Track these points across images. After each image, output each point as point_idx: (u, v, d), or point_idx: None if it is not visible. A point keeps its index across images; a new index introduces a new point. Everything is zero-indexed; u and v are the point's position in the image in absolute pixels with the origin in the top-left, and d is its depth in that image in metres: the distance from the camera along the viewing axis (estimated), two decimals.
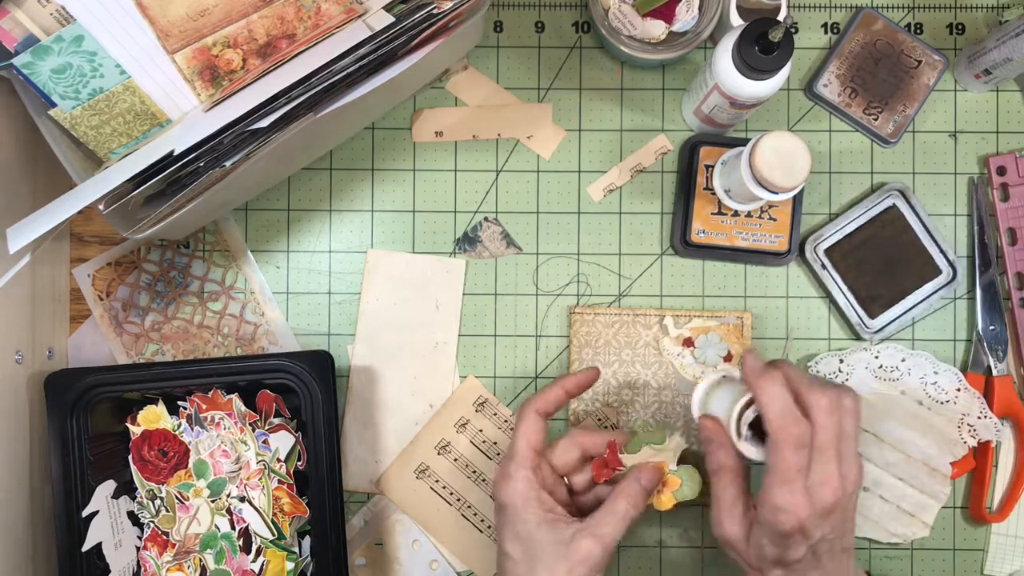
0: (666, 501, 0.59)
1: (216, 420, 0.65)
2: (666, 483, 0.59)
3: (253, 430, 0.65)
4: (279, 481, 0.65)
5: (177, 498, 0.65)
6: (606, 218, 0.70)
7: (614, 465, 0.58)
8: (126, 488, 0.66)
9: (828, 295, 0.69)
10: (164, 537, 0.65)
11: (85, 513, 0.63)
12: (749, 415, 0.55)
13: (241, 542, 0.65)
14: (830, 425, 0.51)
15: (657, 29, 0.65)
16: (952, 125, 0.70)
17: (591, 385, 0.61)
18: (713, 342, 0.67)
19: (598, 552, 0.54)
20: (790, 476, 0.51)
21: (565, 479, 0.60)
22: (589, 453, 0.60)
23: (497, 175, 0.70)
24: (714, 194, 0.67)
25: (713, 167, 0.67)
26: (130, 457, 0.66)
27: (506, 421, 0.69)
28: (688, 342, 0.68)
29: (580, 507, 0.60)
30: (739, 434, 0.55)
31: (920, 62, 0.69)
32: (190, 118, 0.60)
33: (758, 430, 0.55)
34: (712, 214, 0.68)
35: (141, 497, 0.66)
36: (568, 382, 0.60)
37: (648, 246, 0.70)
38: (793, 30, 0.70)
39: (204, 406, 0.65)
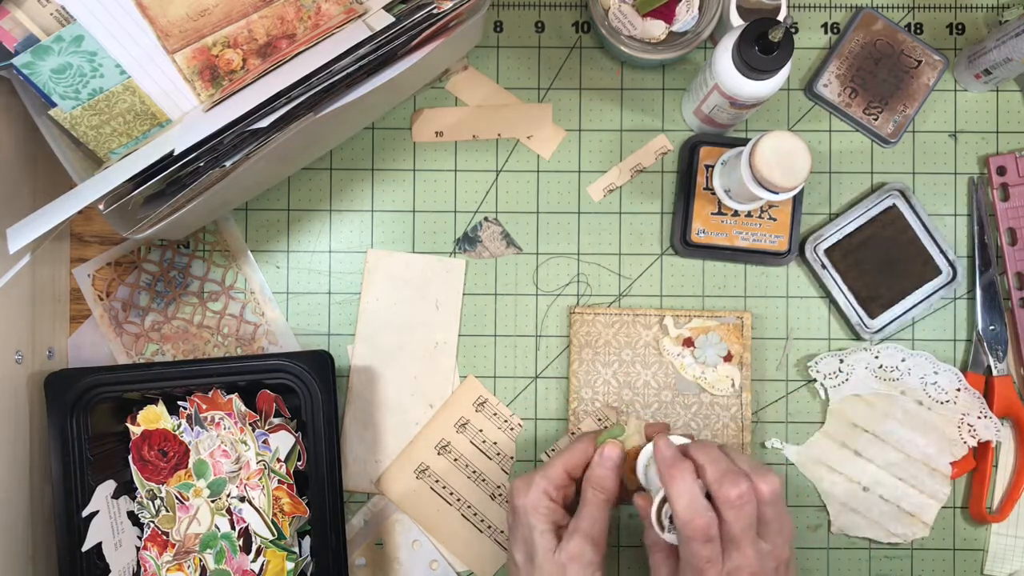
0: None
1: (216, 420, 0.65)
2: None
3: (253, 430, 0.65)
4: (279, 481, 0.65)
5: (177, 498, 0.65)
6: (606, 218, 0.70)
7: None
8: (126, 488, 0.66)
9: (828, 295, 0.69)
10: (164, 537, 0.65)
11: (85, 513, 0.63)
12: (668, 508, 0.54)
13: (241, 542, 0.65)
14: (741, 517, 0.52)
15: (657, 29, 0.65)
16: (952, 125, 0.70)
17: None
18: (713, 342, 0.67)
19: (586, 547, 0.55)
20: (701, 567, 0.52)
21: None
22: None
23: (497, 175, 0.70)
24: (714, 194, 0.67)
25: (713, 167, 0.67)
26: (130, 457, 0.66)
27: (506, 421, 0.69)
28: (688, 342, 0.68)
29: None
30: (662, 526, 0.55)
31: (920, 62, 0.69)
32: (190, 118, 0.60)
33: None
34: (712, 214, 0.68)
35: (141, 497, 0.66)
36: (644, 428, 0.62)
37: (648, 246, 0.70)
38: (793, 30, 0.70)
39: (204, 406, 0.65)
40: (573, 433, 0.68)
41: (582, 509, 0.57)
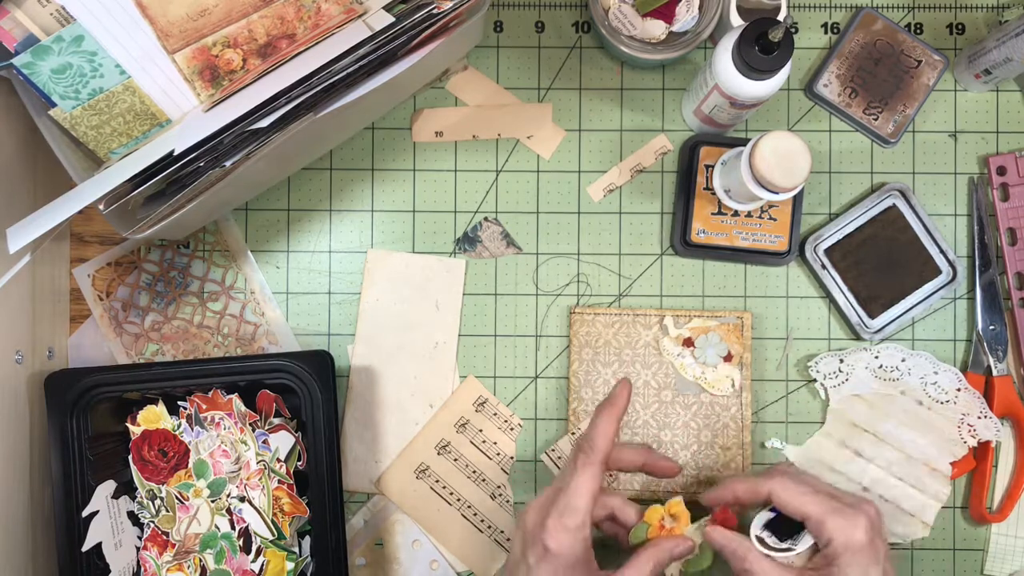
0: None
1: (216, 420, 0.65)
2: (676, 517, 0.60)
3: (253, 430, 0.65)
4: (279, 481, 0.65)
5: (177, 498, 0.65)
6: (606, 218, 0.70)
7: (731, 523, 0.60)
8: (126, 488, 0.66)
9: (828, 295, 0.69)
10: (164, 537, 0.65)
11: (85, 513, 0.63)
12: (758, 524, 0.58)
13: (241, 542, 0.65)
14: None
15: (657, 29, 0.65)
16: (952, 125, 0.70)
17: (630, 397, 0.61)
18: (713, 342, 0.67)
19: None
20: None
21: None
22: (615, 517, 0.60)
23: (497, 175, 0.70)
24: (714, 194, 0.67)
25: (713, 167, 0.67)
26: (130, 457, 0.66)
27: (506, 421, 0.69)
28: (688, 342, 0.68)
29: None
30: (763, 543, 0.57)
31: (920, 62, 0.69)
32: (190, 118, 0.60)
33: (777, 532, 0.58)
34: (712, 214, 0.68)
35: (141, 497, 0.66)
36: (614, 411, 0.59)
37: (648, 246, 0.70)
38: (793, 30, 0.70)
39: (204, 406, 0.65)
40: (573, 433, 0.68)
41: (634, 572, 0.56)
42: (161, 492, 0.65)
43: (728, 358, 0.67)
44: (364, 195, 0.70)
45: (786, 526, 0.58)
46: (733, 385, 0.67)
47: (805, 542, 0.57)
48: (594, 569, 0.56)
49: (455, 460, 0.69)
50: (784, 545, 0.57)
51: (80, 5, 0.57)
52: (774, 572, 0.55)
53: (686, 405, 0.68)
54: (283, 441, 0.65)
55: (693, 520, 0.59)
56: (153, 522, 0.65)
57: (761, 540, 0.57)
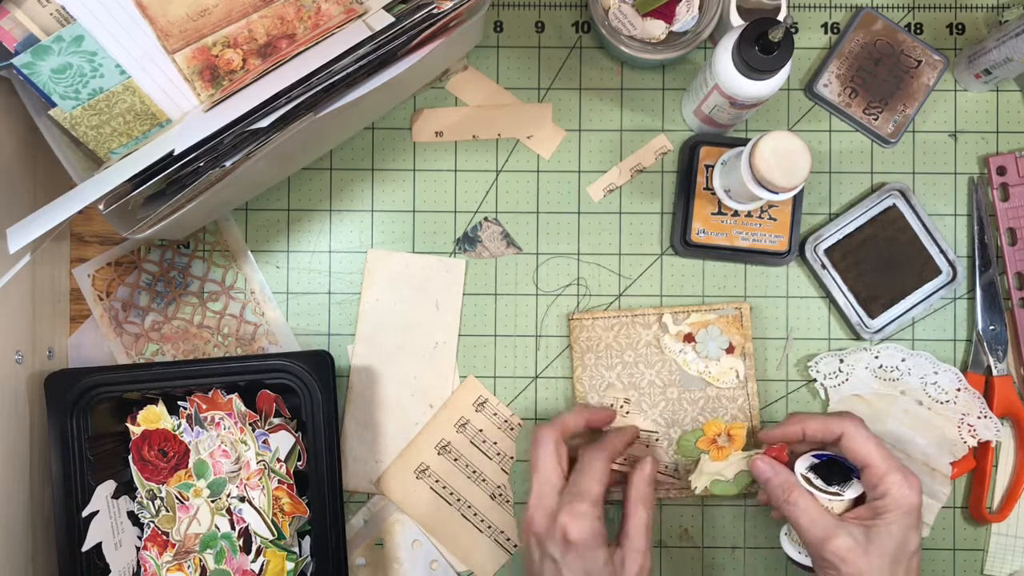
0: (721, 459, 0.64)
1: (216, 420, 0.65)
2: (732, 438, 0.64)
3: (253, 430, 0.65)
4: (279, 481, 0.65)
5: (177, 498, 0.65)
6: (606, 218, 0.70)
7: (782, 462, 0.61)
8: (126, 488, 0.66)
9: (828, 295, 0.69)
10: (164, 537, 0.65)
11: (85, 513, 0.63)
12: (801, 466, 0.59)
13: (241, 542, 0.65)
14: None
15: (657, 29, 0.65)
16: (952, 125, 0.70)
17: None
18: (714, 335, 0.67)
19: (647, 564, 0.57)
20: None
21: None
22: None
23: (497, 175, 0.70)
24: (714, 194, 0.67)
25: (713, 167, 0.67)
26: (130, 457, 0.66)
27: (506, 421, 0.69)
28: (688, 338, 0.68)
29: None
30: (812, 484, 0.58)
31: (920, 62, 0.69)
32: (190, 118, 0.60)
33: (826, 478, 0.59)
34: (712, 214, 0.68)
35: (141, 497, 0.66)
36: (630, 436, 0.65)
37: (648, 246, 0.70)
38: (793, 30, 0.70)
39: (204, 406, 0.65)
40: None
41: (636, 530, 0.58)
42: (161, 492, 0.65)
43: (730, 350, 0.67)
44: (364, 195, 0.70)
45: (830, 474, 0.58)
46: (738, 376, 0.67)
47: (854, 490, 0.57)
48: (607, 543, 0.58)
49: (455, 460, 0.69)
50: (832, 489, 0.57)
51: (80, 5, 0.57)
52: (815, 511, 0.56)
53: (693, 401, 0.68)
54: (283, 441, 0.65)
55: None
56: (153, 522, 0.65)
57: (807, 480, 0.58)
